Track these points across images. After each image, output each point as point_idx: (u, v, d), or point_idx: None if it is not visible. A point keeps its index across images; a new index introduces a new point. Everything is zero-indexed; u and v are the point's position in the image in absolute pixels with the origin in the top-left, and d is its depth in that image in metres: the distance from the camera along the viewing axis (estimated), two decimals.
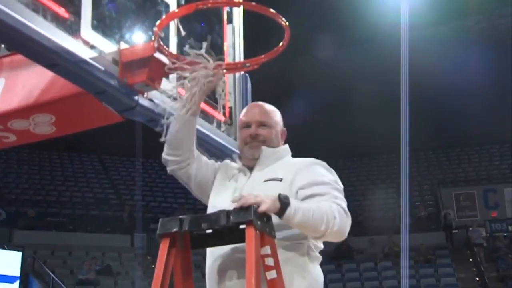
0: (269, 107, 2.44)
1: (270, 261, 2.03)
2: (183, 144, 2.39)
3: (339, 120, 19.14)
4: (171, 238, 2.09)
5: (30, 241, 14.14)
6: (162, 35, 2.56)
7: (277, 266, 2.03)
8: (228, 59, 3.23)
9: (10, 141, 3.07)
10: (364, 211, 17.76)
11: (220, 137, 3.13)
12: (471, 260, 15.63)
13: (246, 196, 2.02)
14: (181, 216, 2.09)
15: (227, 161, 2.52)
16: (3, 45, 2.89)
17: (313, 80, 18.65)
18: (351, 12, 16.61)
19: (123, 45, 2.65)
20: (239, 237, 2.01)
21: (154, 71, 2.61)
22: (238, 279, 2.13)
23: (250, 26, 3.40)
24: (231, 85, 3.35)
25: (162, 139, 2.40)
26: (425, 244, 15.42)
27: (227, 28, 3.31)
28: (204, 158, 2.49)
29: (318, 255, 2.29)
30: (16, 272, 12.07)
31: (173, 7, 2.90)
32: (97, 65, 2.50)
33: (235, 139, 3.30)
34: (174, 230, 2.06)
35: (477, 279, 14.78)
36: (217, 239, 2.15)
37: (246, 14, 3.31)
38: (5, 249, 12.33)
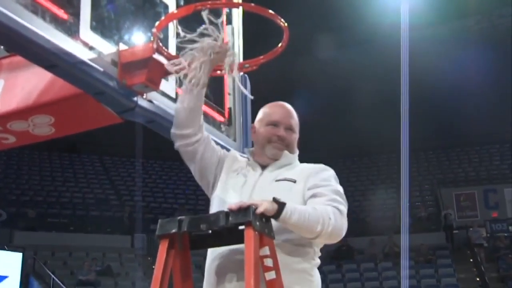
0: (294, 111, 2.46)
1: (269, 262, 2.03)
2: (191, 118, 2.38)
3: (339, 120, 19.15)
4: (170, 239, 2.09)
5: (31, 242, 14.15)
6: (161, 36, 2.56)
7: (276, 267, 2.04)
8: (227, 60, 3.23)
9: (10, 142, 3.07)
10: (364, 212, 17.76)
11: (219, 138, 3.13)
12: (471, 260, 15.63)
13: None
14: (180, 217, 2.09)
15: (234, 152, 2.54)
16: (2, 47, 2.89)
17: (313, 80, 18.67)
18: (351, 12, 16.63)
19: (122, 46, 2.65)
20: (238, 238, 2.02)
21: (153, 72, 2.61)
22: (238, 281, 2.14)
23: (249, 27, 3.41)
24: (230, 86, 3.35)
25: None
26: (425, 244, 15.42)
27: (226, 29, 3.31)
28: (213, 142, 2.49)
29: (319, 260, 2.33)
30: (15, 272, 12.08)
31: (172, 8, 2.91)
32: (96, 66, 2.49)
33: (234, 140, 3.31)
34: (173, 231, 2.06)
35: (478, 279, 14.77)
36: (216, 240, 2.16)
37: (245, 15, 3.31)
38: (5, 250, 12.33)
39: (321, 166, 2.37)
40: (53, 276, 12.93)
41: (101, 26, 2.58)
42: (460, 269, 15.04)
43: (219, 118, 3.24)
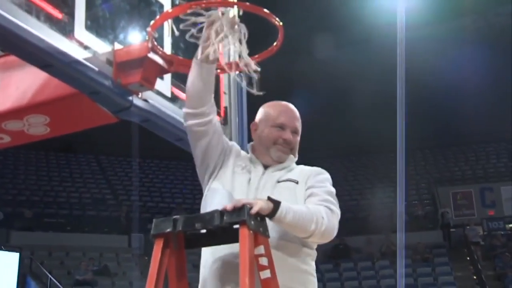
0: (298, 113, 2.44)
1: (264, 261, 2.03)
2: (204, 95, 2.31)
3: (336, 120, 19.16)
4: (165, 238, 2.08)
5: (27, 242, 14.11)
6: (156, 35, 2.56)
7: (271, 266, 2.04)
8: (224, 59, 3.23)
9: (5, 142, 3.07)
10: (361, 210, 17.78)
11: None
12: (468, 258, 15.66)
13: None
14: (174, 216, 2.09)
15: (236, 145, 2.50)
16: None
17: (310, 80, 18.67)
18: (348, 12, 16.63)
19: (117, 46, 2.65)
20: (233, 237, 2.02)
21: (149, 72, 2.61)
22: (237, 286, 2.13)
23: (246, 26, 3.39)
24: (226, 85, 3.35)
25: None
26: (422, 242, 15.44)
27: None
28: (221, 128, 2.44)
29: None
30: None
31: (167, 7, 2.90)
32: (91, 65, 2.49)
33: (230, 139, 3.31)
34: (168, 230, 2.06)
35: (474, 277, 14.81)
36: (211, 239, 2.16)
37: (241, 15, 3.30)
38: (2, 250, 12.30)
39: (318, 169, 2.38)
40: (50, 276, 12.91)
41: (96, 25, 2.58)
42: (457, 267, 15.07)
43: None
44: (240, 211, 1.99)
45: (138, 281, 12.84)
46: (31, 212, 15.91)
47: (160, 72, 2.70)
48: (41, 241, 14.92)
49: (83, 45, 2.51)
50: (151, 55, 2.57)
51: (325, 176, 2.35)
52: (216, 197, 2.30)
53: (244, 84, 2.48)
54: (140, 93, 2.71)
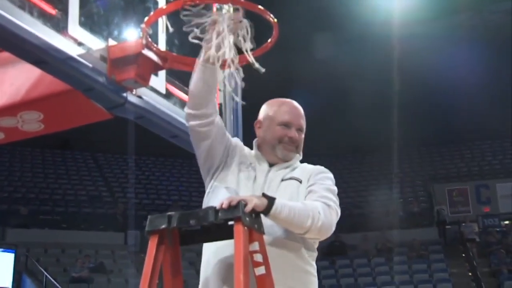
0: (303, 110, 2.42)
1: (258, 257, 2.03)
2: (208, 96, 2.28)
3: (332, 118, 19.16)
4: (159, 235, 2.08)
5: (23, 239, 14.07)
6: (150, 32, 2.55)
7: (265, 262, 2.04)
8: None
9: None
10: (357, 207, 17.81)
11: None
12: (463, 255, 15.71)
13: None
14: (169, 213, 2.09)
15: (241, 142, 2.47)
16: None
17: (308, 79, 18.66)
18: (344, 10, 16.63)
19: (111, 42, 2.64)
20: (228, 233, 2.02)
21: (143, 68, 2.60)
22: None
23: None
24: (220, 82, 3.34)
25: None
26: (418, 239, 15.48)
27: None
28: (223, 127, 2.41)
29: None
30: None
31: (161, 3, 2.89)
32: (85, 62, 2.49)
33: None
34: (163, 226, 2.06)
35: (470, 274, 14.86)
36: (206, 236, 2.16)
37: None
38: None
39: (321, 168, 2.37)
40: (45, 273, 12.87)
41: (90, 21, 2.57)
42: (452, 264, 15.12)
43: None
44: (235, 207, 1.99)
45: (134, 278, 12.83)
46: (26, 209, 15.86)
47: (154, 68, 2.69)
48: (37, 238, 14.88)
49: (77, 42, 2.50)
50: (146, 51, 2.57)
51: (327, 175, 2.34)
52: (220, 194, 2.28)
53: (234, 83, 2.45)
54: (134, 90, 2.70)
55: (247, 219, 1.99)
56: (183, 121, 2.53)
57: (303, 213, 2.11)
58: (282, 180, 2.29)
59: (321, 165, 2.39)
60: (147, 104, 2.76)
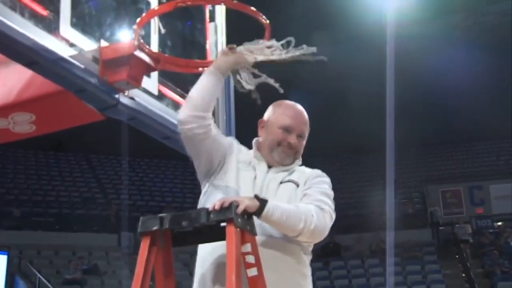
0: (307, 117, 2.41)
1: (251, 259, 2.03)
2: (212, 101, 2.29)
3: (326, 119, 19.16)
4: (151, 236, 2.08)
5: (16, 241, 14.00)
6: (143, 33, 2.54)
7: (258, 264, 2.04)
8: (211, 57, 3.23)
9: None
10: (351, 209, 17.82)
11: None
12: (457, 256, 15.76)
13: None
14: (161, 214, 2.08)
15: (236, 141, 2.46)
16: None
17: (304, 80, 18.66)
18: (337, 10, 16.66)
19: (103, 43, 2.64)
20: (220, 234, 2.02)
21: (135, 69, 2.60)
22: None
23: (232, 24, 3.39)
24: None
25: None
26: (412, 241, 15.51)
27: (209, 26, 3.30)
28: (217, 128, 2.41)
29: None
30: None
31: (154, 4, 2.89)
32: (77, 63, 2.48)
33: None
34: (155, 228, 2.06)
35: (463, 275, 14.90)
36: (198, 237, 2.16)
37: (229, 12, 3.30)
38: None
39: (318, 172, 2.38)
40: (39, 275, 12.83)
41: (81, 22, 2.56)
42: (446, 265, 15.16)
43: None
44: (227, 209, 1.99)
45: (127, 280, 12.78)
46: (19, 211, 15.78)
47: (146, 70, 2.69)
48: (30, 240, 14.81)
49: (69, 43, 2.49)
50: (138, 52, 2.56)
51: (324, 179, 2.34)
52: (219, 194, 2.26)
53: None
54: (126, 91, 2.69)
55: (239, 220, 1.99)
56: (176, 122, 2.52)
57: (295, 216, 2.10)
58: (281, 182, 2.29)
59: (315, 166, 2.40)
60: (139, 105, 2.75)
